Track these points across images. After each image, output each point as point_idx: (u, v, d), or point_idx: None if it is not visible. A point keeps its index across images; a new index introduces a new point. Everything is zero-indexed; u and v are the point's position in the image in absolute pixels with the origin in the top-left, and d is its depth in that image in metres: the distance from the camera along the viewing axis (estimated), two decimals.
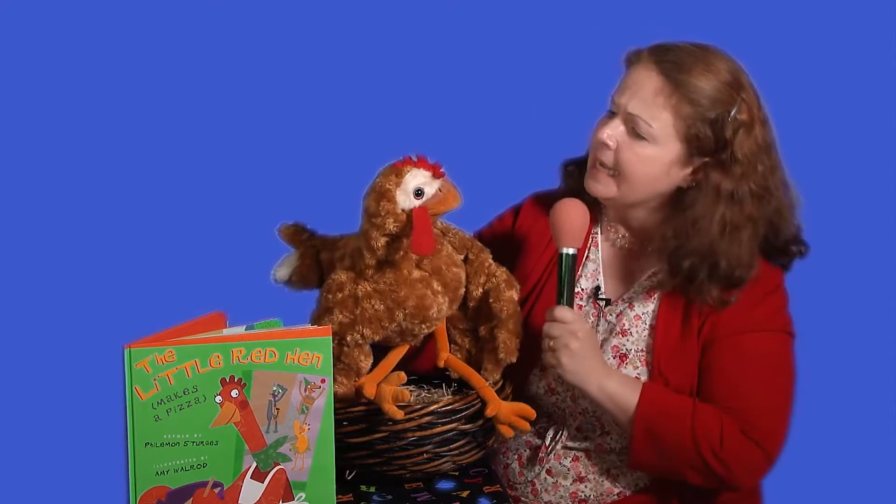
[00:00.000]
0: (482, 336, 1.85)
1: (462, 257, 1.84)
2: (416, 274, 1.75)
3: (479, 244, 1.88)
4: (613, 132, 1.82)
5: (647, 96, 1.79)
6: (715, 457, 1.78)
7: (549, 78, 3.06)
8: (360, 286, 1.74)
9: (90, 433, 2.87)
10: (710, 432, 1.78)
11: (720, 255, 1.79)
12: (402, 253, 1.72)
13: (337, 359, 1.73)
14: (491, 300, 1.82)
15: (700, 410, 1.80)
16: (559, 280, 1.81)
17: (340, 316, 1.73)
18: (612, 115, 1.85)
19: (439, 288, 1.76)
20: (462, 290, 1.81)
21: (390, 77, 3.18)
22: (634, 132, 1.80)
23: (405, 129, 3.01)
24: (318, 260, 1.87)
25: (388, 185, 1.71)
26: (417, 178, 1.70)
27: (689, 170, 1.82)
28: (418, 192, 1.70)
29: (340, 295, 1.74)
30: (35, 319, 3.12)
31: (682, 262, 1.81)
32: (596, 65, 1.94)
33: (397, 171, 1.71)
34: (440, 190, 1.71)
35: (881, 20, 3.05)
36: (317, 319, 1.76)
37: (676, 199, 1.84)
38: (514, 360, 1.82)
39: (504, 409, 1.75)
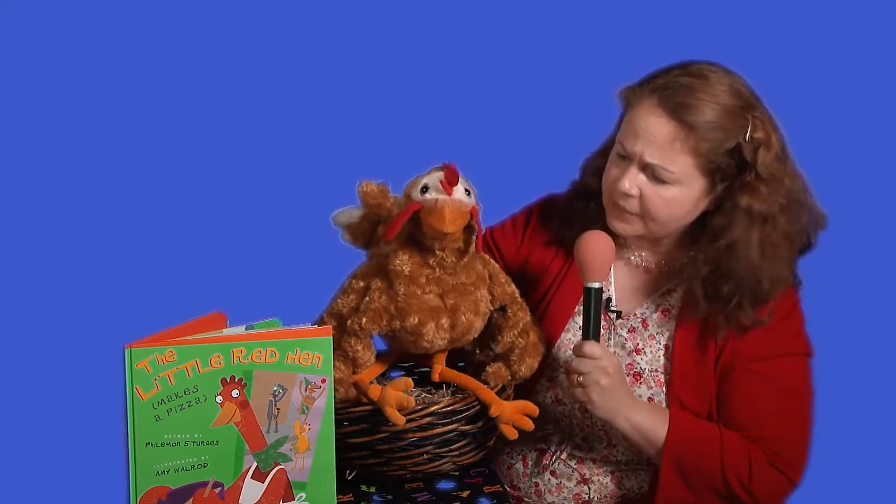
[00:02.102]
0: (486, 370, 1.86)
1: (498, 307, 1.82)
2: (433, 301, 1.74)
3: (521, 302, 1.84)
4: (634, 181, 1.78)
5: (662, 144, 1.74)
6: (743, 488, 1.78)
7: (557, 77, 3.06)
8: (377, 278, 1.75)
9: (90, 433, 2.86)
10: (739, 464, 1.78)
11: (763, 276, 1.77)
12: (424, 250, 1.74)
13: (337, 344, 1.74)
14: (513, 359, 1.82)
15: (727, 440, 1.79)
16: (585, 315, 1.78)
17: (353, 300, 1.76)
18: (622, 158, 1.80)
19: (445, 325, 1.75)
20: (470, 337, 1.80)
21: (390, 78, 3.18)
22: (655, 178, 1.76)
23: (404, 131, 3.01)
24: (374, 228, 1.87)
25: (422, 174, 1.74)
26: (432, 178, 1.71)
27: (714, 195, 1.79)
28: (423, 189, 1.71)
29: (362, 283, 1.77)
30: (35, 319, 3.12)
31: (720, 288, 1.78)
32: (603, 64, 1.93)
33: (435, 167, 1.72)
34: (436, 202, 1.69)
35: (881, 20, 3.06)
36: (335, 298, 1.79)
37: (702, 224, 1.82)
38: (498, 386, 1.81)
39: (507, 409, 1.75)
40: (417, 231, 1.72)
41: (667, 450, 1.78)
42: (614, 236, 1.86)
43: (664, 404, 1.85)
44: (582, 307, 1.79)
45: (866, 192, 3.06)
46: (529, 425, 1.76)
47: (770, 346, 1.81)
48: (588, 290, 1.77)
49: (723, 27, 2.95)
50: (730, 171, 1.76)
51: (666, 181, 1.76)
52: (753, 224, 1.76)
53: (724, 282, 1.78)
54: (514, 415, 1.75)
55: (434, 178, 1.70)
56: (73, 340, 3.04)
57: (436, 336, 1.75)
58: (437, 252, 1.72)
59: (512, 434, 1.76)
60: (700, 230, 1.82)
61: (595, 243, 1.78)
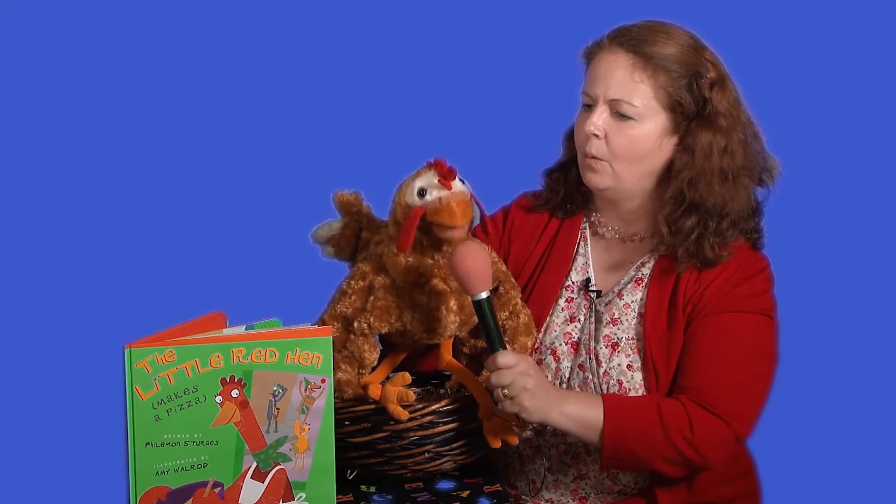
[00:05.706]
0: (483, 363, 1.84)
1: (493, 285, 1.82)
2: (439, 286, 1.74)
3: (513, 281, 1.87)
4: (598, 121, 1.84)
5: (622, 78, 1.82)
6: (688, 443, 1.77)
7: (536, 77, 3.06)
8: (379, 277, 1.75)
9: (90, 433, 2.87)
10: (679, 421, 1.78)
11: (728, 202, 1.83)
12: (419, 250, 1.73)
13: (342, 346, 1.74)
14: (505, 338, 1.79)
15: (663, 403, 1.79)
16: (485, 327, 1.71)
17: (357, 301, 1.76)
18: (588, 108, 1.87)
19: (455, 307, 1.75)
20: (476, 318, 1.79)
21: (388, 77, 3.19)
22: (619, 115, 1.83)
23: (402, 131, 3.01)
24: (358, 235, 1.88)
25: (407, 178, 1.73)
26: (425, 179, 1.71)
27: (676, 137, 1.85)
28: (421, 193, 1.70)
29: (362, 283, 1.77)
30: (35, 319, 3.13)
31: (685, 221, 1.83)
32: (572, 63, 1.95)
33: (421, 169, 1.73)
34: (440, 200, 1.69)
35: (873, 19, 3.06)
36: (333, 302, 1.78)
37: (668, 171, 1.87)
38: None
39: (496, 418, 1.75)
40: (422, 235, 1.72)
41: (607, 431, 1.76)
42: (584, 210, 1.97)
43: (641, 372, 1.86)
44: (480, 322, 1.73)
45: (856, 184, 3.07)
46: (515, 440, 1.76)
47: (729, 302, 1.84)
48: (478, 303, 1.70)
49: (719, 26, 2.95)
50: (690, 109, 1.83)
51: (630, 116, 1.82)
52: (712, 156, 1.83)
53: (688, 214, 1.84)
54: (502, 424, 1.75)
55: (427, 178, 1.71)
56: (73, 340, 3.04)
57: (448, 319, 1.75)
58: (445, 248, 1.72)
59: (495, 444, 1.75)
60: (663, 192, 1.87)
61: (469, 255, 1.70)
